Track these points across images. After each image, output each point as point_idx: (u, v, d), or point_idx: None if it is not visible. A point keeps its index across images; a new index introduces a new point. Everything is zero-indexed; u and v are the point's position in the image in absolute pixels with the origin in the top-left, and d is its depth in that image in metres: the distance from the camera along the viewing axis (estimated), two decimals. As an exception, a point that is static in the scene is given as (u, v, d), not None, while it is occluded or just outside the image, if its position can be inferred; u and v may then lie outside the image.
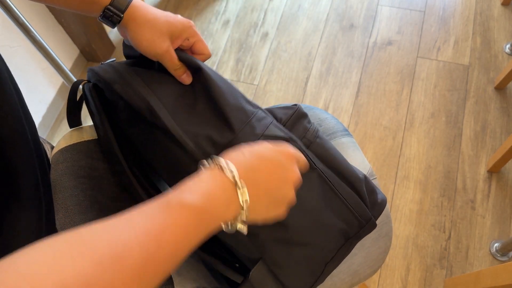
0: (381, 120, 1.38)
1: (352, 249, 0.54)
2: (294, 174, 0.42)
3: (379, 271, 1.15)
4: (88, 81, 0.58)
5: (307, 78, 1.48)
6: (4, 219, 0.48)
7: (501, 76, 1.37)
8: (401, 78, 1.46)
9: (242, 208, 0.37)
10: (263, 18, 1.62)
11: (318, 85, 1.46)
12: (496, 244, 1.16)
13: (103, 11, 0.50)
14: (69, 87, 1.12)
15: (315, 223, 0.50)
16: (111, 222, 0.30)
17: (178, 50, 0.54)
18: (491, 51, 1.48)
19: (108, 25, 0.51)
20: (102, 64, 0.57)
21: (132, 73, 0.53)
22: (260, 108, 0.53)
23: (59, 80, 1.46)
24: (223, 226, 0.37)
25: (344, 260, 0.67)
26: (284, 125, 0.53)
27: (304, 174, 0.47)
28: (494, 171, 1.26)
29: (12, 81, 0.51)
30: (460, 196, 1.24)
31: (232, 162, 0.38)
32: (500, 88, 1.40)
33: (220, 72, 1.51)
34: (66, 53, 1.48)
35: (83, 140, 0.66)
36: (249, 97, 1.45)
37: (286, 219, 0.46)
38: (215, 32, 1.60)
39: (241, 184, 0.37)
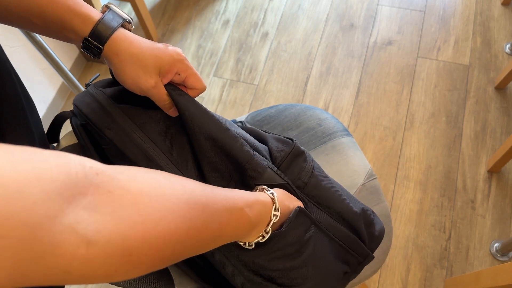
0: (381, 120, 1.38)
1: (350, 281, 0.57)
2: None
3: (379, 271, 1.15)
4: (75, 115, 0.55)
5: (307, 78, 1.48)
6: None
7: (501, 76, 1.37)
8: (401, 78, 1.46)
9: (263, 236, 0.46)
10: (263, 18, 1.62)
11: (318, 85, 1.46)
12: (496, 244, 1.16)
13: (83, 42, 0.46)
14: (69, 87, 1.12)
15: (322, 272, 0.51)
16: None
17: (168, 85, 0.50)
18: (491, 51, 1.48)
19: (91, 56, 0.47)
20: (86, 87, 0.54)
21: (121, 113, 0.50)
22: (256, 151, 0.51)
23: (59, 80, 1.46)
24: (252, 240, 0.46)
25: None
26: (279, 166, 0.52)
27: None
28: (494, 171, 1.26)
29: (17, 78, 0.50)
30: (460, 196, 1.24)
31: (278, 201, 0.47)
32: (500, 88, 1.40)
33: (220, 72, 1.52)
34: (66, 53, 1.48)
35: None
36: (249, 97, 1.45)
37: (299, 274, 0.51)
38: (215, 32, 1.60)
39: (277, 206, 0.46)
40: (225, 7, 1.66)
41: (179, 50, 0.50)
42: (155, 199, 0.30)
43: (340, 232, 0.53)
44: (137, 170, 0.32)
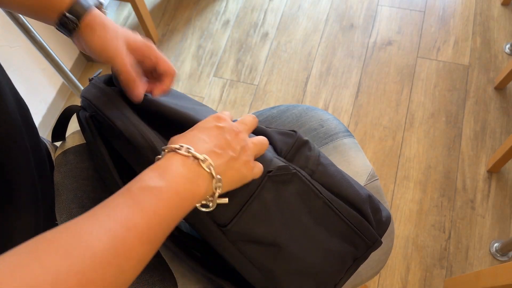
0: (381, 120, 1.38)
1: (359, 267, 0.56)
2: (250, 148, 0.45)
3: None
4: (83, 108, 0.55)
5: (307, 78, 1.48)
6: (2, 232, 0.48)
7: (501, 76, 1.37)
8: (401, 78, 1.46)
9: (213, 177, 0.39)
10: (263, 18, 1.62)
11: (318, 85, 1.46)
12: (496, 244, 1.16)
13: (59, 18, 0.47)
14: (70, 87, 1.12)
15: (326, 253, 0.51)
16: (79, 220, 0.32)
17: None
18: (491, 51, 1.48)
19: (64, 34, 0.48)
20: (90, 81, 0.54)
21: (127, 107, 0.50)
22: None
23: (59, 80, 1.46)
24: (198, 204, 0.40)
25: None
26: (285, 157, 0.52)
27: (310, 205, 0.50)
28: (494, 171, 1.26)
29: (8, 83, 0.50)
30: (460, 196, 1.25)
31: (186, 143, 0.40)
32: (500, 88, 1.40)
33: (220, 72, 1.52)
34: (66, 53, 1.48)
35: (84, 142, 0.66)
36: (249, 97, 1.46)
37: (300, 252, 0.49)
38: (215, 32, 1.60)
39: (203, 157, 0.39)
40: (225, 7, 1.65)
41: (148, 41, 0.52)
42: None
43: (350, 213, 0.52)
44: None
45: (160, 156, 0.40)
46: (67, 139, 0.66)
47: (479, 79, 1.43)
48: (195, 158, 0.39)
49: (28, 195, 0.51)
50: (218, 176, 0.40)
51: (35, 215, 0.52)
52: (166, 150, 0.40)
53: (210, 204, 0.42)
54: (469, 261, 1.16)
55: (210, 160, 0.40)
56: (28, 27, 0.95)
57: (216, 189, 0.41)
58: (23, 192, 0.50)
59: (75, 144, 0.65)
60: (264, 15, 1.62)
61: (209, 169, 0.39)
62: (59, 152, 0.65)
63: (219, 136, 0.43)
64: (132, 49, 0.50)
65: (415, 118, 1.38)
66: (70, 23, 0.47)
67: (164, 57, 0.53)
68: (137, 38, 0.51)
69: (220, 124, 0.44)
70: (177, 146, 0.39)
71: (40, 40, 0.98)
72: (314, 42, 1.55)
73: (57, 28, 0.48)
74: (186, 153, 0.39)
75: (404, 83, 1.45)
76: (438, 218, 1.22)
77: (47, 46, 1.00)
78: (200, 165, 0.39)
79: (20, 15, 0.93)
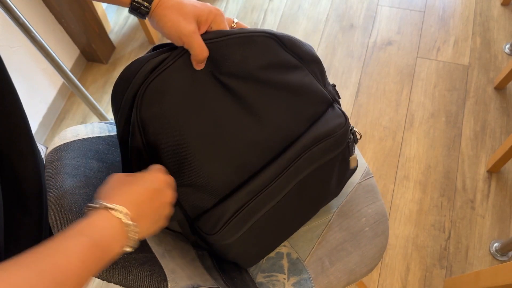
0: (381, 120, 1.39)
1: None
2: (169, 196, 0.48)
3: (379, 270, 1.15)
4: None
5: (307, 78, 1.48)
6: (9, 225, 0.48)
7: (500, 76, 1.37)
8: (401, 78, 1.46)
9: (131, 239, 0.42)
10: (263, 18, 1.62)
11: (318, 85, 1.46)
12: (495, 244, 1.16)
13: (131, 3, 0.50)
14: (70, 87, 1.12)
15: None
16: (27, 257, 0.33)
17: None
18: (490, 51, 1.48)
19: (139, 17, 0.51)
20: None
21: None
22: None
23: (60, 80, 1.47)
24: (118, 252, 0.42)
25: (340, 258, 0.68)
26: None
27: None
28: (494, 171, 1.26)
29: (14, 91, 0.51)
30: (459, 196, 1.25)
31: (116, 201, 0.42)
32: (499, 88, 1.40)
33: (220, 72, 1.52)
34: (66, 53, 1.48)
35: (77, 138, 0.66)
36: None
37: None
38: (215, 32, 1.60)
39: (128, 222, 0.41)
40: (225, 7, 1.66)
41: (219, 8, 0.53)
42: None
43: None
44: None
45: (93, 206, 0.42)
46: (59, 136, 0.66)
47: (479, 79, 1.43)
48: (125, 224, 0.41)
49: (35, 195, 0.51)
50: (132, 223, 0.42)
51: (39, 215, 0.53)
52: (98, 205, 0.42)
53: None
54: (469, 261, 1.15)
55: (136, 234, 0.42)
56: (28, 27, 0.95)
57: (132, 245, 0.42)
58: (32, 193, 0.50)
59: (66, 141, 0.65)
60: (264, 15, 1.63)
61: (133, 236, 0.42)
62: (50, 149, 0.65)
63: (157, 210, 0.46)
64: (203, 21, 0.51)
65: (415, 118, 1.38)
66: (142, 8, 0.50)
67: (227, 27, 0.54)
68: (206, 8, 0.51)
69: (165, 197, 0.47)
70: (110, 206, 0.41)
71: (40, 40, 0.99)
72: (314, 42, 1.55)
73: (130, 12, 0.51)
74: (117, 217, 0.41)
75: (404, 83, 1.45)
76: (438, 218, 1.22)
77: (47, 46, 1.01)
78: (125, 227, 0.41)
79: (21, 15, 0.93)
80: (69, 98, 1.52)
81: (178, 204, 0.54)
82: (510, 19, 1.54)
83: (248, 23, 1.61)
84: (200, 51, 0.50)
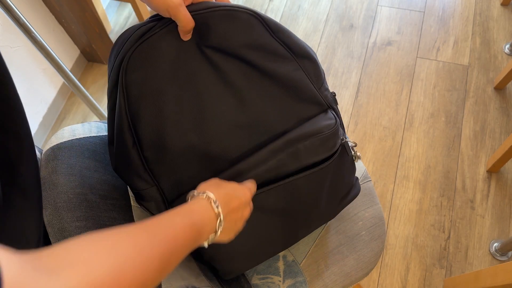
0: (380, 120, 1.39)
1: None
2: (247, 213, 0.52)
3: (378, 270, 1.16)
4: None
5: (307, 78, 1.48)
6: (9, 215, 0.48)
7: (500, 76, 1.37)
8: (400, 78, 1.46)
9: (216, 232, 0.46)
10: (263, 19, 1.62)
11: (318, 85, 1.47)
12: (495, 244, 1.16)
13: None
14: (70, 87, 1.12)
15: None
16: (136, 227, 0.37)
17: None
18: (490, 51, 1.48)
19: None
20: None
21: None
22: None
23: (60, 80, 1.47)
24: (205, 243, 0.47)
25: (336, 262, 0.68)
26: None
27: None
28: (494, 171, 1.26)
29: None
30: (459, 196, 1.25)
31: (215, 196, 0.47)
32: (499, 88, 1.40)
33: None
34: (66, 54, 1.48)
35: (74, 138, 0.66)
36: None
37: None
38: (215, 33, 1.60)
39: (222, 218, 0.46)
40: (225, 7, 1.66)
41: None
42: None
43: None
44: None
45: (197, 195, 0.47)
46: (56, 135, 0.67)
47: (478, 79, 1.44)
48: (219, 220, 0.46)
49: (34, 185, 0.51)
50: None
51: (39, 209, 0.53)
52: (203, 194, 0.47)
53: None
54: (469, 261, 1.16)
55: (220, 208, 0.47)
56: (28, 27, 0.95)
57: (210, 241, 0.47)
58: (32, 185, 0.50)
59: (63, 140, 0.65)
60: (264, 16, 1.63)
61: (218, 231, 0.46)
62: (47, 148, 0.65)
63: (237, 219, 0.51)
64: None
65: (414, 118, 1.38)
66: None
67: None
68: None
69: (245, 211, 0.52)
70: (212, 197, 0.47)
71: (40, 41, 0.99)
72: (314, 42, 1.55)
73: None
74: (216, 212, 0.46)
75: (404, 83, 1.45)
76: (438, 218, 1.22)
77: (47, 46, 1.01)
78: (216, 222, 0.46)
79: (21, 16, 0.93)
80: (69, 98, 1.52)
81: (155, 184, 0.55)
82: (510, 19, 1.54)
83: (248, 23, 1.61)
84: (186, 23, 0.51)
